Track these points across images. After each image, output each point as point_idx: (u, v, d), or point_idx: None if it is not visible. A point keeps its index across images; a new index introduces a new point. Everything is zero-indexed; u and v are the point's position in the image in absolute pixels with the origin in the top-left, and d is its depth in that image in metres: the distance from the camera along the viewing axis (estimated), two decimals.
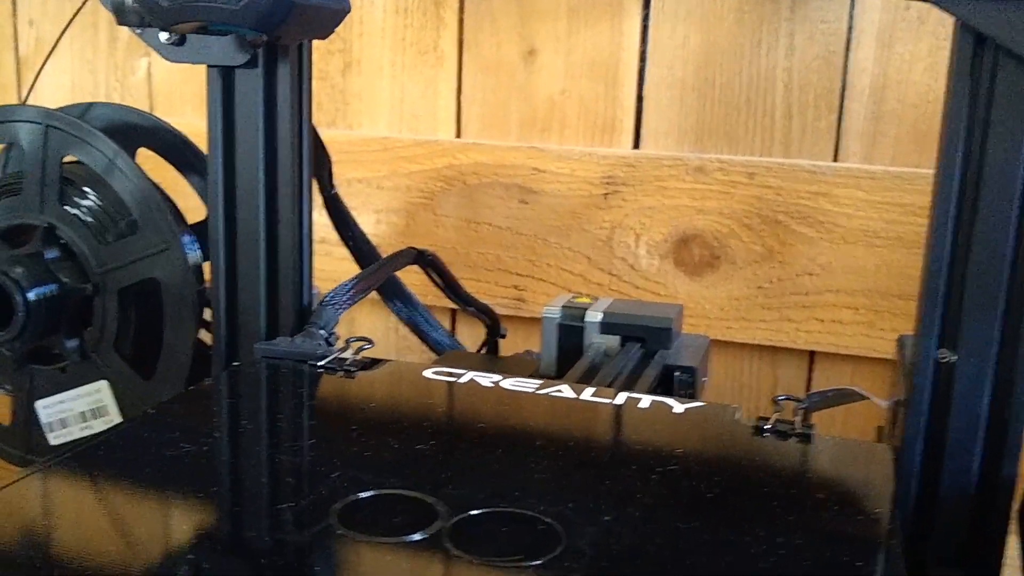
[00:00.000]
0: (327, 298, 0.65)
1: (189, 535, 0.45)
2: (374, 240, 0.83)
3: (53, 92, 1.11)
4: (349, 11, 0.57)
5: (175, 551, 0.43)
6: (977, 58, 0.51)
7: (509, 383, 0.59)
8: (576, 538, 0.43)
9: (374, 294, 0.85)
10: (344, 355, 0.61)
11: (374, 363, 0.61)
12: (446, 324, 1.00)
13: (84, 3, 0.73)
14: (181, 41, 0.61)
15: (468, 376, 0.59)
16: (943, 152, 0.52)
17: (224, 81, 0.63)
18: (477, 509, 0.45)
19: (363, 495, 0.46)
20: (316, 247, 0.79)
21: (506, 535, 0.44)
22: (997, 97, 0.51)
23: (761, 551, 0.42)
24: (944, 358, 0.54)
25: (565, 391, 0.58)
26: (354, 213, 0.82)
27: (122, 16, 0.58)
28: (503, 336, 0.88)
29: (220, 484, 0.49)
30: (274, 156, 0.64)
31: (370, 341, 0.62)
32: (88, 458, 0.50)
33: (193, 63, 0.62)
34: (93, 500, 0.47)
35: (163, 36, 0.60)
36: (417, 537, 0.43)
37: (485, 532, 0.44)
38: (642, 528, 0.44)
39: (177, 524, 0.46)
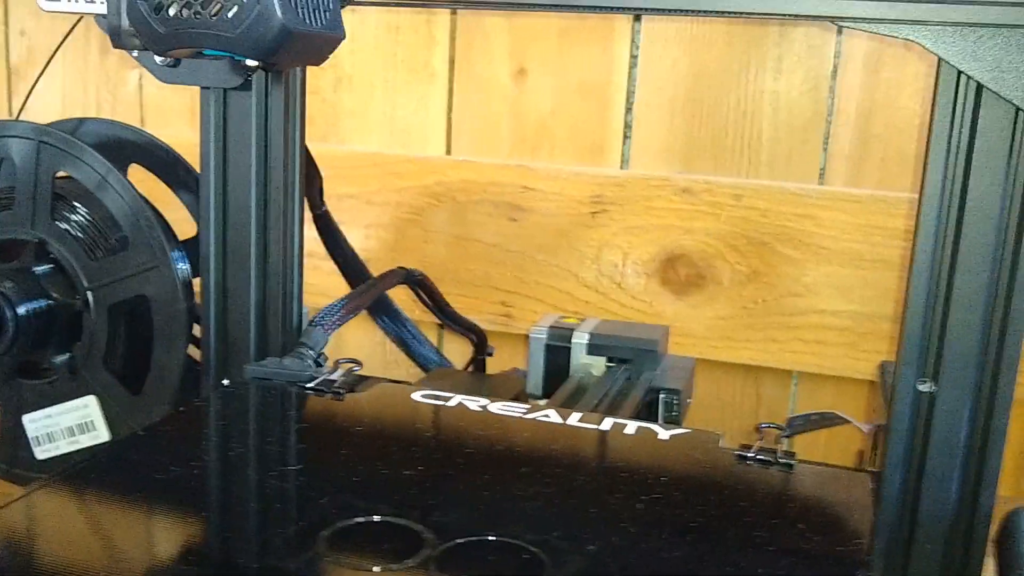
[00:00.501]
0: (316, 319, 0.65)
1: (177, 561, 0.45)
2: (363, 255, 0.83)
3: (44, 104, 1.11)
4: (344, 39, 0.58)
5: (157, 575, 0.43)
6: (959, 92, 0.52)
7: (497, 407, 0.60)
8: (560, 567, 0.43)
9: (364, 310, 0.85)
10: (333, 376, 0.61)
11: (362, 382, 0.62)
12: (433, 339, 1.00)
13: (76, 23, 0.73)
14: (176, 63, 0.61)
15: (456, 400, 0.60)
16: (925, 184, 0.53)
17: (217, 102, 0.64)
18: (464, 537, 0.45)
19: (351, 522, 0.46)
20: (305, 261, 0.80)
21: (492, 563, 0.44)
22: (979, 130, 0.52)
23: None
24: (924, 387, 0.55)
25: (552, 416, 0.59)
26: (344, 228, 0.82)
27: (118, 39, 0.58)
28: (490, 355, 0.88)
29: (208, 509, 0.49)
30: (266, 177, 0.65)
31: (359, 363, 0.63)
32: (76, 481, 0.50)
33: (187, 85, 0.62)
34: (81, 524, 0.47)
35: (158, 59, 0.61)
36: (404, 565, 0.43)
37: (471, 560, 0.44)
38: (626, 557, 0.45)
39: (165, 549, 0.46)
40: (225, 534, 0.48)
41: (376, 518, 0.47)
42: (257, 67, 0.58)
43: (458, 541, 0.45)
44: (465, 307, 0.95)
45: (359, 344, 1.05)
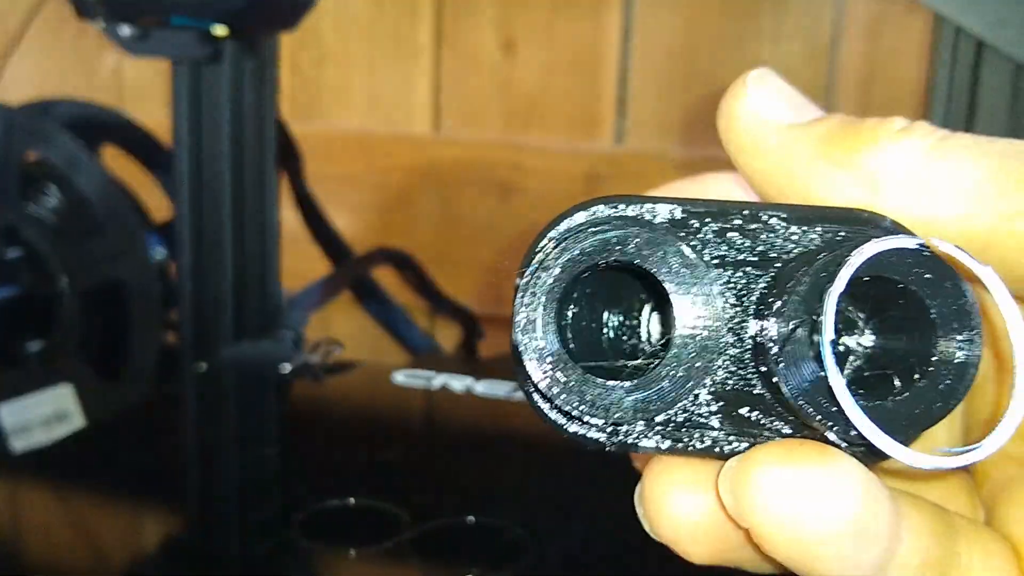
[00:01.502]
0: (295, 300, 0.63)
1: (148, 544, 0.44)
2: (350, 238, 0.81)
3: (20, 87, 1.09)
4: (315, 2, 0.56)
5: (133, 560, 0.42)
6: (958, 49, 0.49)
7: (482, 387, 0.57)
8: (544, 548, 0.41)
9: (350, 295, 0.83)
10: (312, 358, 0.59)
11: (343, 367, 0.60)
12: (424, 324, 0.98)
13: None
14: (144, 35, 0.59)
15: (439, 380, 0.58)
16: None
17: (189, 76, 0.61)
18: (442, 519, 0.43)
19: (325, 505, 0.44)
20: (290, 245, 0.78)
21: (472, 545, 0.42)
22: (980, 88, 0.50)
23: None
24: None
25: None
26: (330, 210, 0.80)
27: (83, 9, 0.56)
28: (481, 337, 0.86)
29: (180, 493, 0.47)
30: (240, 152, 0.62)
31: (339, 343, 0.60)
32: (42, 465, 0.48)
33: (157, 57, 0.60)
34: (50, 506, 0.46)
35: (126, 30, 0.58)
36: (379, 548, 0.41)
37: (450, 542, 0.42)
38: (613, 537, 0.43)
39: (136, 533, 0.44)
40: (197, 519, 0.46)
41: (352, 501, 0.45)
42: (226, 36, 0.56)
43: (436, 522, 0.43)
44: (455, 290, 0.93)
45: (349, 329, 1.03)
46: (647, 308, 0.21)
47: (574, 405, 0.18)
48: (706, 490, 0.19)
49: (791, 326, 0.18)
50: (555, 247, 0.18)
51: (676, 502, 0.20)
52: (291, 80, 1.00)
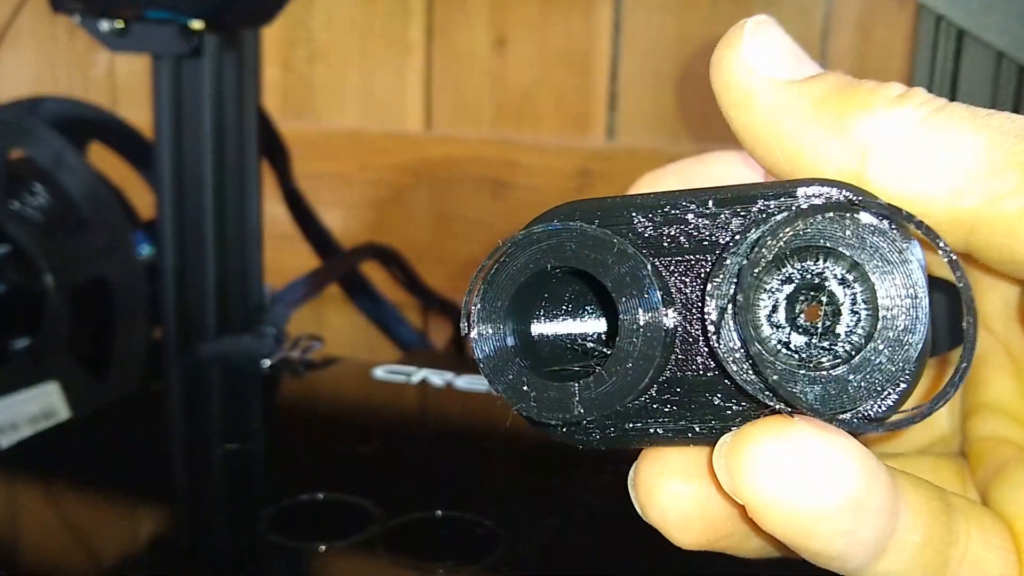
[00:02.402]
0: (278, 295, 0.63)
1: (119, 539, 0.44)
2: (343, 235, 0.80)
3: (14, 85, 1.09)
4: None
5: (104, 554, 0.41)
6: (939, 38, 0.49)
7: (463, 381, 0.57)
8: (516, 542, 0.41)
9: (342, 292, 0.83)
10: (292, 354, 0.59)
11: (323, 362, 0.59)
12: (417, 321, 0.98)
13: None
14: (123, 30, 0.59)
15: (420, 375, 0.58)
16: None
17: (170, 72, 0.61)
18: (414, 513, 0.43)
19: (295, 500, 0.44)
20: (279, 241, 0.78)
21: (443, 539, 0.42)
22: (961, 77, 0.49)
23: (708, 557, 0.40)
24: None
25: None
26: (322, 208, 0.80)
27: (58, 4, 0.56)
28: None
29: (153, 488, 0.47)
30: (222, 148, 0.62)
31: (319, 339, 0.60)
32: (20, 458, 0.48)
33: (136, 52, 0.60)
34: (22, 500, 0.45)
35: (104, 25, 0.58)
36: (349, 542, 0.41)
37: (421, 536, 0.42)
38: (586, 530, 0.42)
39: (108, 527, 0.44)
40: (167, 515, 0.46)
41: (323, 495, 0.45)
42: (203, 30, 0.56)
43: (408, 517, 0.43)
44: (449, 287, 0.93)
45: (341, 326, 1.03)
46: (595, 310, 0.21)
47: (531, 410, 0.19)
48: (697, 478, 0.19)
49: (725, 303, 0.18)
50: (499, 262, 0.19)
51: (666, 489, 0.20)
52: (284, 78, 1.00)
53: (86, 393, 0.68)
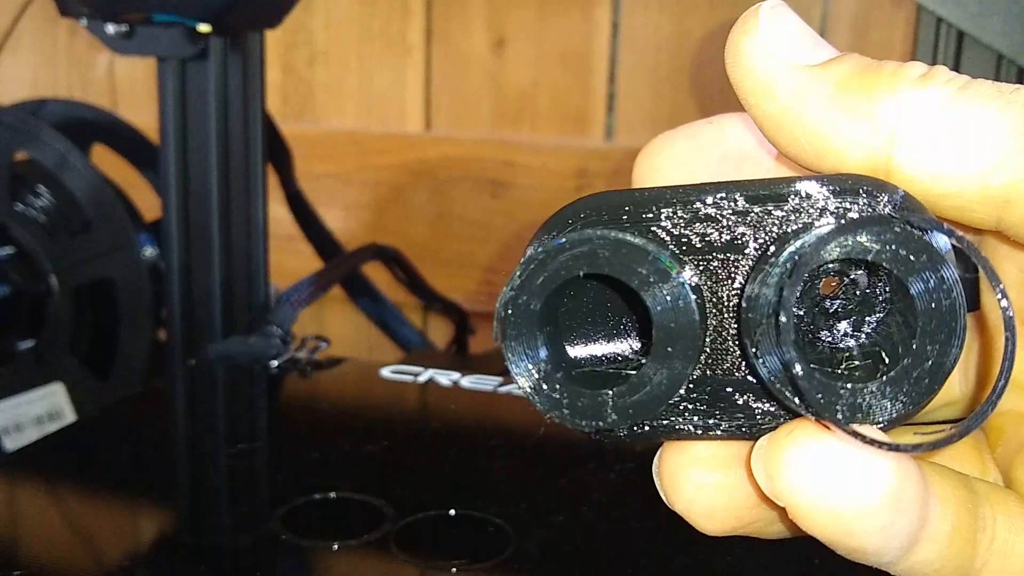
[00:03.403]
0: (284, 296, 0.63)
1: (131, 539, 0.44)
2: (343, 236, 0.81)
3: (14, 87, 1.09)
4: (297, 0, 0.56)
5: (114, 554, 0.42)
6: (939, 40, 0.50)
7: (468, 381, 0.57)
8: (526, 540, 0.41)
9: (343, 292, 0.83)
10: (299, 354, 0.59)
11: (330, 363, 0.60)
12: (417, 321, 0.98)
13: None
14: (130, 33, 0.59)
15: (427, 375, 0.58)
16: None
17: (176, 74, 0.61)
18: (426, 511, 0.43)
19: (307, 498, 0.45)
20: (282, 243, 0.78)
21: (455, 538, 0.42)
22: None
23: (715, 551, 0.40)
24: None
25: None
26: (322, 208, 0.80)
27: (65, 6, 0.56)
28: (472, 333, 0.86)
29: (164, 488, 0.47)
30: (227, 149, 0.63)
31: (326, 339, 0.61)
32: (31, 460, 0.48)
33: (143, 55, 0.60)
34: (33, 502, 0.46)
35: (110, 28, 0.59)
36: (362, 541, 0.41)
37: (433, 535, 0.42)
38: (595, 528, 0.43)
39: (120, 528, 0.44)
40: (179, 514, 0.46)
41: (335, 494, 0.45)
42: (210, 33, 0.56)
43: (420, 515, 0.43)
44: (448, 287, 0.93)
45: (342, 326, 1.03)
46: (625, 311, 0.21)
47: (564, 416, 0.19)
48: (722, 467, 0.19)
49: (764, 313, 0.17)
50: (531, 269, 0.18)
51: (693, 478, 0.20)
52: (284, 79, 1.00)
53: (91, 394, 0.68)
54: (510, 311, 0.19)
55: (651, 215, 0.19)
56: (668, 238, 0.19)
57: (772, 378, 0.18)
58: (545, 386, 0.19)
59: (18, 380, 0.70)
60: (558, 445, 0.52)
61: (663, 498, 0.20)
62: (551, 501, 0.45)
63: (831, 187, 0.18)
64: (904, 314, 0.18)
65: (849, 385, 0.17)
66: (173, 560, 0.42)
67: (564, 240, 0.19)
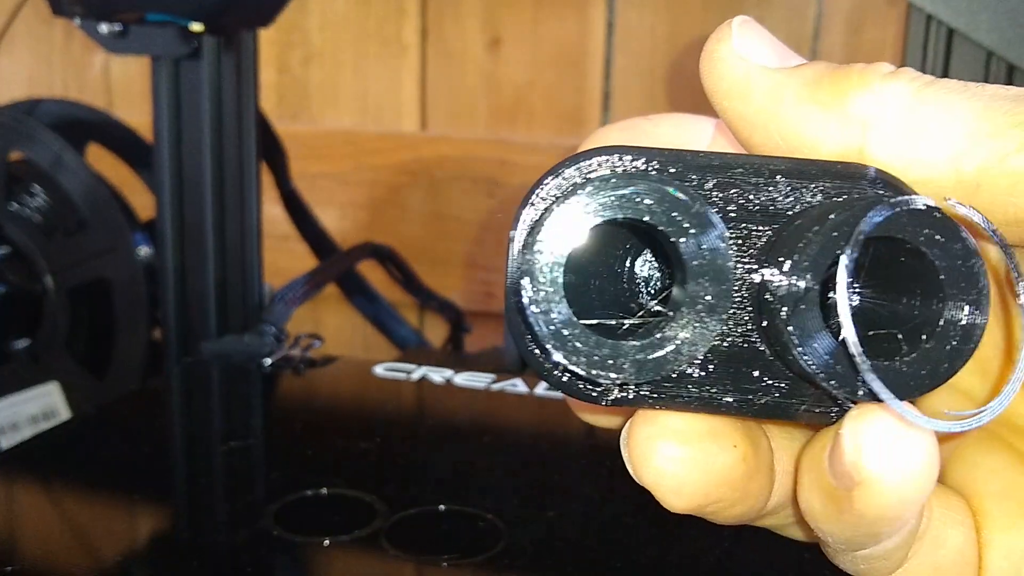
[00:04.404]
0: (278, 294, 0.63)
1: (124, 535, 0.44)
2: (339, 235, 0.81)
3: (9, 87, 1.09)
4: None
5: (107, 551, 0.42)
6: (929, 38, 0.50)
7: (462, 378, 0.58)
8: (517, 535, 0.42)
9: (338, 291, 0.84)
10: (293, 352, 0.60)
11: (324, 360, 0.60)
12: (413, 320, 0.99)
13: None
14: (123, 33, 0.60)
15: (420, 372, 0.58)
16: None
17: (169, 73, 0.62)
18: (417, 507, 0.44)
19: (299, 495, 0.45)
20: (277, 242, 0.78)
21: (446, 533, 0.43)
22: (951, 77, 0.50)
23: (706, 546, 0.41)
24: None
25: (519, 385, 0.57)
26: (318, 208, 0.80)
27: (59, 6, 0.56)
28: (467, 331, 0.86)
29: (158, 484, 0.47)
30: (221, 148, 0.63)
31: (319, 338, 0.61)
32: (24, 457, 0.48)
33: (136, 55, 0.60)
34: (26, 499, 0.46)
35: (104, 27, 0.59)
36: (353, 537, 0.42)
37: (423, 531, 0.43)
38: (586, 523, 0.43)
39: (113, 524, 0.45)
40: (171, 511, 0.46)
41: (327, 490, 0.45)
42: (202, 32, 0.56)
43: (411, 511, 0.43)
44: (445, 286, 0.93)
45: (338, 326, 1.03)
46: (641, 263, 0.21)
47: (581, 365, 0.18)
48: (695, 441, 0.19)
49: (802, 286, 0.17)
50: (565, 197, 0.18)
51: (662, 451, 0.19)
52: (279, 79, 1.00)
53: (86, 393, 0.69)
54: (538, 243, 0.18)
55: (697, 177, 0.19)
56: (706, 200, 0.19)
57: (811, 359, 0.17)
58: (566, 332, 0.18)
59: (14, 379, 0.70)
60: (550, 442, 0.52)
61: (630, 471, 0.20)
62: (542, 497, 0.45)
63: (844, 170, 0.18)
64: (927, 287, 0.18)
65: (886, 362, 0.17)
66: (166, 556, 0.42)
67: (611, 176, 0.18)
